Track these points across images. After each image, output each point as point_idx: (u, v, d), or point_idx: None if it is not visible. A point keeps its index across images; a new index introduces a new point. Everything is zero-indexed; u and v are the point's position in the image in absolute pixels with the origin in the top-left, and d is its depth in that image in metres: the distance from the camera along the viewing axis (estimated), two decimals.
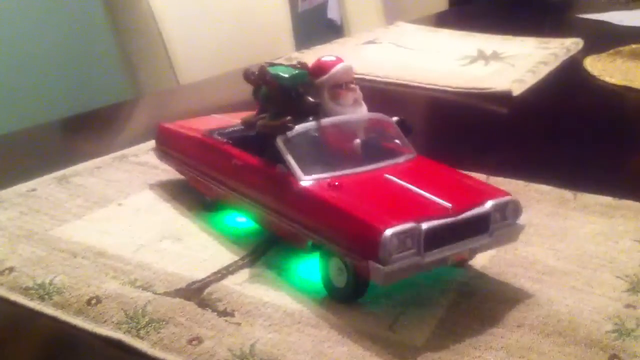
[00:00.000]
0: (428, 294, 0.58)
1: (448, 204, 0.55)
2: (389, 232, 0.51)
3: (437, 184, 0.59)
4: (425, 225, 0.53)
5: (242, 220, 0.70)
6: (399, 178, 0.60)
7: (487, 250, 0.59)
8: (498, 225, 0.57)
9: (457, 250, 0.55)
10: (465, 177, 0.63)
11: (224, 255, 0.64)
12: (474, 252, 0.58)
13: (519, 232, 0.59)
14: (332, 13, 3.25)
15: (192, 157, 0.74)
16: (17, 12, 2.31)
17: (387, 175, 0.60)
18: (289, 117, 0.61)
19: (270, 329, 0.54)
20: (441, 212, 0.55)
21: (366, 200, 0.56)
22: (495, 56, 1.41)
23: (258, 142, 0.64)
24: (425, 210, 0.55)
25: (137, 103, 1.33)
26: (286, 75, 0.63)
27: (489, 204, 0.56)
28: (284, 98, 0.63)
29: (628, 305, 0.57)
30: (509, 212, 0.57)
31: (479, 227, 0.56)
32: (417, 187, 0.58)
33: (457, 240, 0.55)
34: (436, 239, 0.54)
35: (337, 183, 0.58)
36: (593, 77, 1.30)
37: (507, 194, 0.58)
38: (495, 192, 0.58)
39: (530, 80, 1.24)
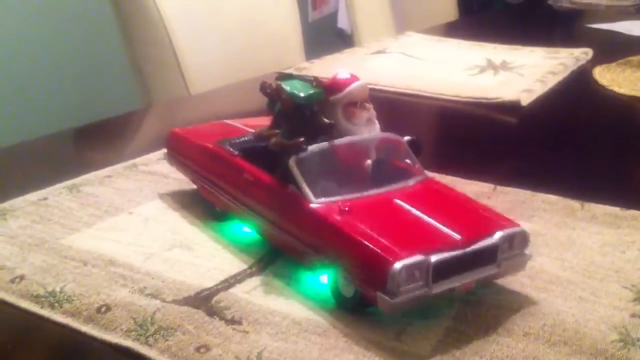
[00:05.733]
0: (434, 303, 0.58)
1: (457, 236, 0.55)
2: (398, 265, 0.52)
3: (446, 211, 0.59)
4: (434, 258, 0.53)
5: (249, 230, 0.70)
6: (408, 204, 0.60)
7: (494, 280, 0.60)
8: (506, 255, 0.57)
9: (465, 281, 0.55)
10: (474, 204, 0.62)
11: (232, 264, 0.65)
12: (480, 282, 0.58)
13: (526, 262, 0.59)
14: (342, 23, 3.27)
15: (203, 166, 0.74)
16: (28, 22, 2.33)
17: (397, 201, 0.60)
18: (302, 139, 0.61)
19: (277, 337, 0.54)
20: (450, 244, 0.55)
21: (376, 228, 0.56)
22: (504, 66, 1.41)
23: (269, 155, 0.64)
24: (434, 241, 0.55)
25: (147, 112, 1.34)
26: (302, 95, 0.63)
27: (497, 235, 0.56)
28: (298, 116, 0.63)
29: (634, 315, 0.57)
30: (517, 242, 0.58)
31: (487, 258, 0.56)
32: (427, 214, 0.58)
33: (464, 271, 0.55)
34: (444, 270, 0.54)
35: (347, 208, 0.58)
36: (602, 87, 1.30)
37: (515, 224, 0.58)
38: (503, 222, 0.58)
39: (539, 90, 1.24)
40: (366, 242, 0.54)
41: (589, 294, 0.60)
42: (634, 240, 0.69)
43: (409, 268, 0.52)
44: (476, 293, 0.60)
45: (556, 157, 0.98)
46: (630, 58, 1.47)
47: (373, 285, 0.53)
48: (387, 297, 0.52)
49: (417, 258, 0.53)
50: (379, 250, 0.53)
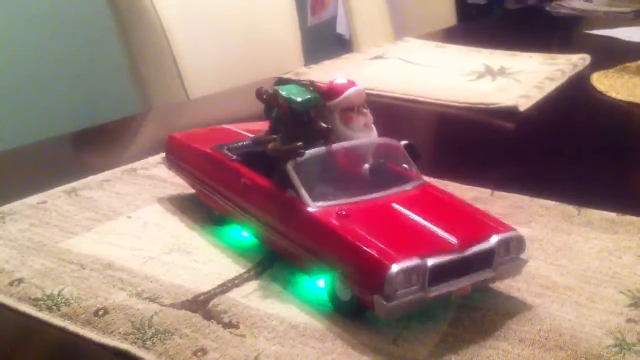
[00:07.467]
0: (431, 308, 0.58)
1: (454, 239, 0.56)
2: (395, 268, 0.52)
3: (443, 215, 0.59)
4: (430, 262, 0.53)
5: (247, 234, 0.70)
6: (406, 208, 0.60)
7: (490, 284, 0.60)
8: (502, 259, 0.57)
9: (461, 285, 0.56)
10: (471, 208, 0.63)
11: (230, 268, 0.65)
12: (477, 286, 0.58)
13: (522, 266, 0.60)
14: (341, 28, 3.27)
15: (201, 171, 0.74)
16: (27, 27, 2.34)
17: (394, 205, 0.61)
18: (299, 143, 0.61)
19: (274, 342, 0.54)
20: (446, 248, 0.55)
21: (373, 232, 0.56)
22: (502, 72, 1.41)
23: (267, 160, 0.64)
24: (431, 245, 0.55)
25: (146, 116, 1.34)
26: (299, 100, 0.63)
27: (493, 239, 0.57)
28: (295, 121, 0.63)
29: (630, 320, 0.57)
30: (513, 246, 0.58)
31: (483, 262, 0.57)
32: (424, 218, 0.58)
33: (461, 275, 0.56)
34: (441, 274, 0.54)
35: (344, 212, 0.58)
36: (600, 93, 1.31)
37: (511, 228, 0.59)
38: (500, 227, 0.59)
39: (537, 96, 1.25)
40: (363, 246, 0.54)
41: (585, 299, 0.60)
42: (630, 246, 0.70)
43: (405, 271, 0.52)
44: (472, 298, 0.60)
45: (553, 162, 0.98)
46: (627, 64, 1.47)
47: (370, 289, 0.53)
48: (384, 301, 0.52)
49: (414, 261, 0.53)
50: (375, 254, 0.53)
